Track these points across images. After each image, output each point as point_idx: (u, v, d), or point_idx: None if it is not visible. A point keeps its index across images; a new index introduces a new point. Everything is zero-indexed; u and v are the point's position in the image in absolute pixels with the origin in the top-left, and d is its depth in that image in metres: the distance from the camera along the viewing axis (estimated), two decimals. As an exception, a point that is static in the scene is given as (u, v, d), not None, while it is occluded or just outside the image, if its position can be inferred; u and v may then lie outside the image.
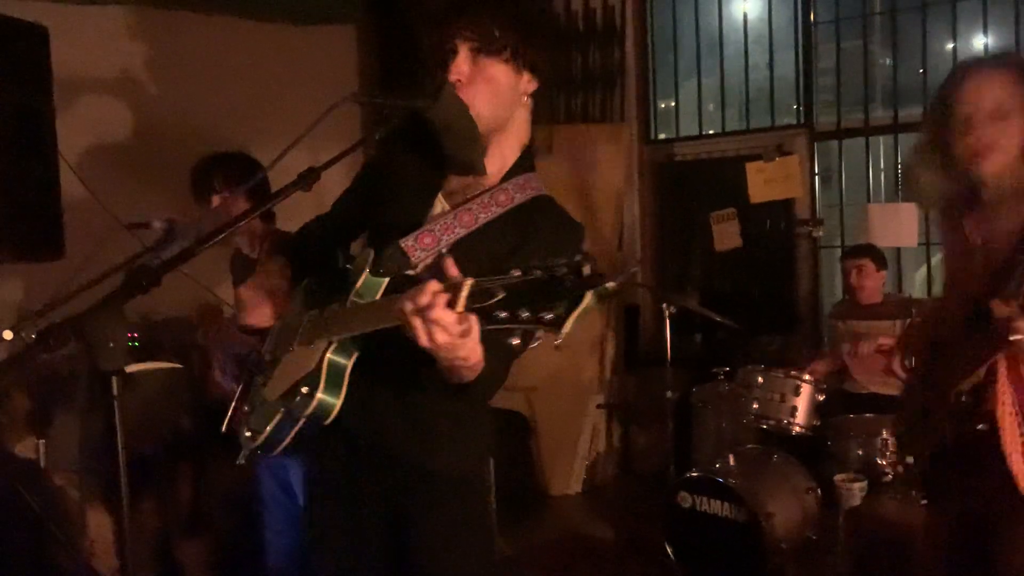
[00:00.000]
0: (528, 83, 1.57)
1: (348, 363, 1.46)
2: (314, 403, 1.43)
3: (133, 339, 2.81)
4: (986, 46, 4.16)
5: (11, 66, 2.52)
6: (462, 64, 1.50)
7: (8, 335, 1.43)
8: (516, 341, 1.15)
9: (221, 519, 3.30)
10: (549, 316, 1.07)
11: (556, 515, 4.41)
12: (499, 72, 1.52)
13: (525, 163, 1.61)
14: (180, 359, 3.04)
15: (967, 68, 1.79)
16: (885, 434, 3.26)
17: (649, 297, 4.90)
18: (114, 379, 1.19)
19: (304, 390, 1.44)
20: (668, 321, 3.94)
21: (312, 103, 1.59)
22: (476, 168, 1.57)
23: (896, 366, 1.98)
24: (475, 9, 1.51)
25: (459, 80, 1.50)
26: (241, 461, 1.64)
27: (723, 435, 3.74)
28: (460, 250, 1.45)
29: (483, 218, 1.51)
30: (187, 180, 2.74)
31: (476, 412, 1.61)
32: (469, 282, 1.13)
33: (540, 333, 1.12)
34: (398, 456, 1.56)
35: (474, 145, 1.54)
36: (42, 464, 3.00)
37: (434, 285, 1.17)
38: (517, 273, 1.10)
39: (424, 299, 1.17)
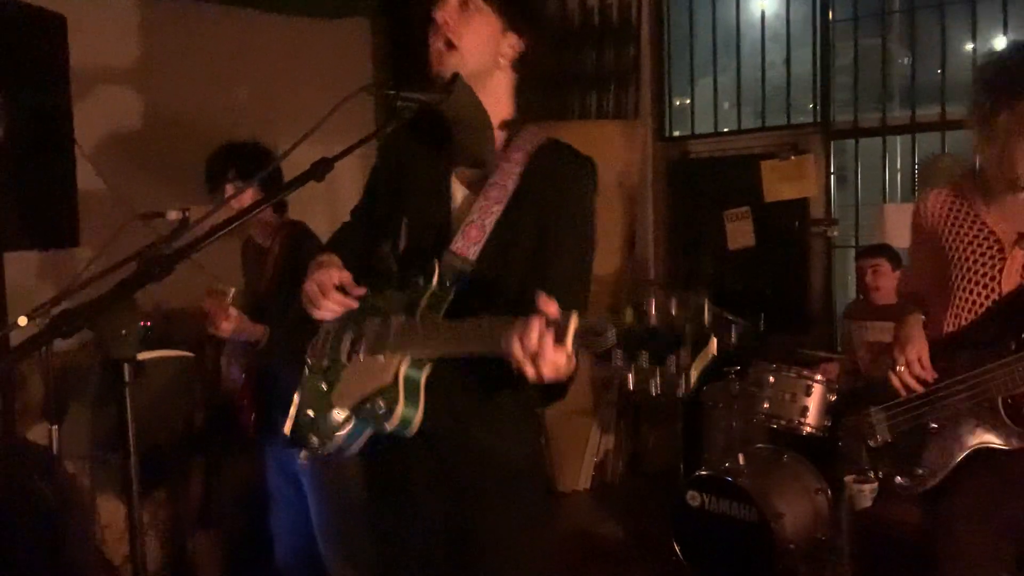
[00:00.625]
0: (511, 46, 1.58)
1: (423, 375, 1.49)
2: (396, 418, 1.45)
3: (147, 327, 2.83)
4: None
5: (29, 55, 2.54)
6: (451, 8, 1.53)
7: (23, 321, 1.44)
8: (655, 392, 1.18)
9: (232, 513, 3.32)
10: (674, 366, 1.12)
11: (564, 512, 4.40)
12: (484, 22, 1.55)
13: (517, 123, 1.62)
14: (192, 350, 3.06)
15: None
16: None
17: (661, 294, 4.87)
18: (126, 367, 1.20)
19: (381, 404, 1.47)
20: (680, 319, 3.92)
21: (326, 95, 1.59)
22: (487, 161, 1.58)
23: (916, 376, 1.91)
24: None
25: (445, 22, 1.53)
26: (303, 461, 1.67)
27: (733, 434, 3.72)
28: (505, 226, 1.51)
29: (511, 185, 1.54)
30: (202, 171, 2.76)
31: (530, 408, 1.64)
32: (574, 320, 1.18)
33: (657, 380, 1.15)
34: (469, 445, 1.58)
35: (485, 138, 1.55)
36: (55, 451, 3.03)
37: (539, 324, 1.22)
38: (629, 317, 1.13)
39: (533, 341, 1.22)
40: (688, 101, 5.13)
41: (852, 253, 4.60)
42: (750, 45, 4.84)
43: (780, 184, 4.60)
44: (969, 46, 4.21)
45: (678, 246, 5.13)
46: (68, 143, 2.67)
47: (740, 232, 4.80)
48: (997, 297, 1.80)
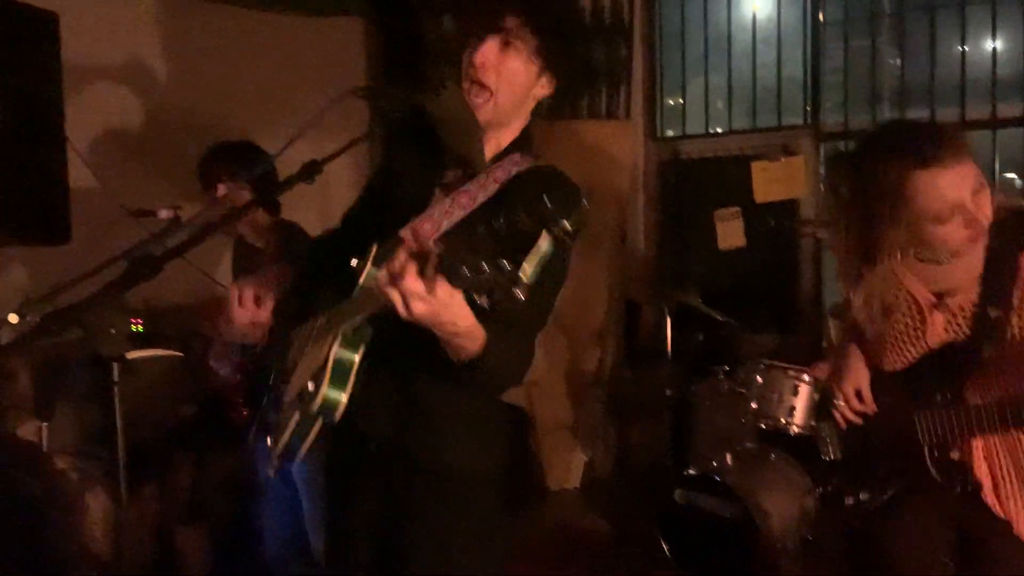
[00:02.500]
0: (542, 88, 1.57)
1: (355, 357, 1.44)
2: (319, 398, 1.40)
3: (137, 325, 2.83)
4: (994, 50, 4.15)
5: (21, 52, 2.54)
6: (490, 51, 1.50)
7: (13, 319, 1.45)
8: (483, 301, 1.11)
9: (220, 507, 3.32)
10: (508, 264, 1.05)
11: (554, 509, 4.43)
12: (521, 69, 1.52)
13: (520, 145, 1.61)
14: (182, 347, 3.06)
15: (940, 154, 1.62)
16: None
17: (651, 293, 4.91)
18: (114, 365, 1.21)
19: (310, 386, 1.43)
20: (669, 317, 3.95)
21: (320, 94, 1.60)
22: (476, 164, 1.58)
23: (853, 410, 1.92)
24: (529, 4, 1.49)
25: (483, 64, 1.49)
26: (269, 472, 1.62)
27: (721, 433, 3.75)
28: (460, 231, 1.45)
29: (481, 197, 1.51)
30: (194, 169, 2.76)
31: (487, 410, 1.60)
32: (431, 247, 1.12)
33: (504, 285, 1.08)
34: (403, 452, 1.56)
35: (474, 141, 1.55)
36: (44, 447, 3.03)
37: (403, 254, 1.17)
38: (481, 229, 1.09)
39: (395, 267, 1.17)
40: (680, 101, 5.15)
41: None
42: (741, 46, 4.87)
43: (770, 185, 4.63)
44: (958, 48, 4.24)
45: (669, 245, 5.15)
46: (59, 140, 2.67)
47: (730, 232, 4.82)
48: (925, 350, 1.80)
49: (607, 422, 4.84)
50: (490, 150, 1.60)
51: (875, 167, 1.68)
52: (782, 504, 3.32)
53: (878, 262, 1.73)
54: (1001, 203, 1.72)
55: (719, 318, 3.92)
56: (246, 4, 4.30)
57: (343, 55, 4.82)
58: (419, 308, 1.18)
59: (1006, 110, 4.00)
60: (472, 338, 1.31)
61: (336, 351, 1.43)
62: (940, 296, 1.79)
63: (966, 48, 4.21)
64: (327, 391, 1.40)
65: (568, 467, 4.69)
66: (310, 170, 1.37)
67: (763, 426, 3.56)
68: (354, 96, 1.51)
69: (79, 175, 2.85)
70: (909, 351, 1.83)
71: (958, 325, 1.76)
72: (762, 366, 3.55)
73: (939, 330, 1.79)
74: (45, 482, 2.84)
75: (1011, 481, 1.73)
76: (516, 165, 1.56)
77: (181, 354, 3.05)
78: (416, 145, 1.65)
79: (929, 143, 1.63)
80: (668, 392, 3.94)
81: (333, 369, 1.41)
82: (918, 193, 1.62)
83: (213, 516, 3.33)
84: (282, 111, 3.88)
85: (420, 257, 1.15)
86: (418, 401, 1.52)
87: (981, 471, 1.74)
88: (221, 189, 2.66)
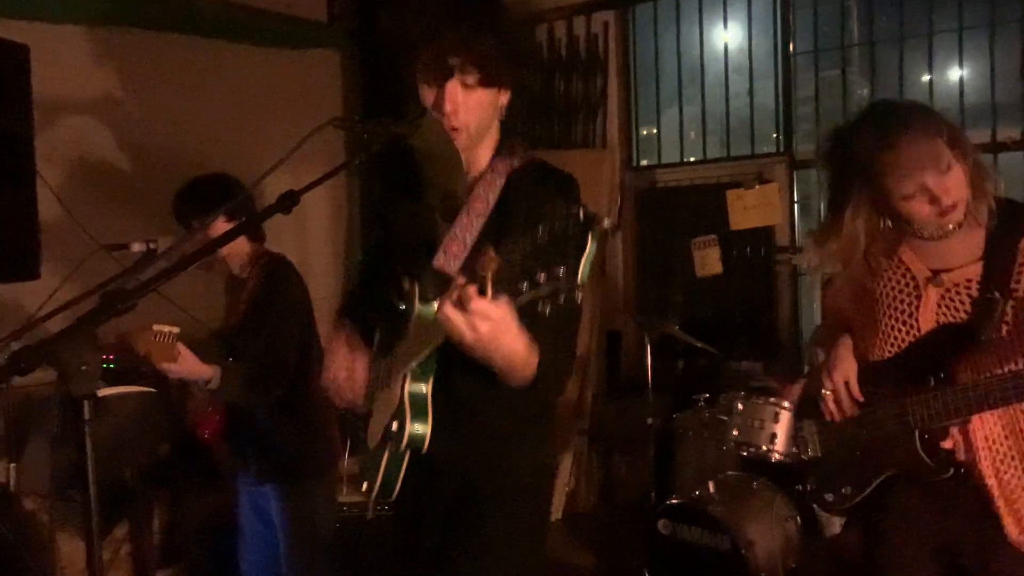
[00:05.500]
0: (503, 96, 1.63)
1: (427, 389, 1.51)
2: (406, 436, 1.47)
3: (109, 361, 2.77)
4: (961, 78, 4.24)
5: (-9, 85, 2.51)
6: (454, 93, 1.54)
7: (-20, 357, 1.41)
8: (546, 310, 1.14)
9: (196, 548, 3.25)
10: (563, 270, 1.09)
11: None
12: (484, 96, 1.57)
13: (500, 150, 1.66)
14: (157, 382, 3.00)
15: (900, 136, 1.73)
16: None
17: (631, 323, 4.91)
18: (86, 403, 1.17)
19: (394, 426, 1.49)
20: (649, 347, 3.95)
21: (296, 126, 1.59)
22: (456, 194, 1.59)
23: (840, 401, 1.94)
24: (467, 44, 1.52)
25: (454, 112, 1.54)
26: (370, 516, 1.70)
27: (704, 462, 3.73)
28: (487, 238, 1.52)
29: (493, 197, 1.57)
30: (169, 202, 2.73)
31: (539, 424, 1.66)
32: (492, 266, 1.15)
33: (562, 291, 1.12)
34: (471, 475, 1.61)
35: (455, 170, 1.56)
36: (12, 488, 2.95)
37: (460, 280, 1.21)
38: (525, 242, 1.12)
39: (455, 294, 1.21)
40: (655, 131, 5.20)
41: (818, 280, 4.67)
42: (714, 77, 4.94)
43: (746, 212, 4.67)
44: (926, 77, 4.33)
45: (647, 273, 5.17)
46: (30, 173, 2.63)
47: (708, 260, 4.85)
48: (917, 333, 1.82)
49: (589, 453, 4.80)
50: (475, 165, 1.64)
51: (849, 146, 1.83)
52: (766, 533, 3.30)
53: (840, 225, 1.87)
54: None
55: (699, 346, 3.93)
56: (223, 37, 4.30)
57: (320, 87, 4.83)
58: (484, 328, 1.21)
59: (975, 136, 4.07)
60: (527, 363, 1.37)
61: (409, 388, 1.49)
62: (936, 273, 1.82)
63: (933, 77, 4.30)
64: (411, 427, 1.48)
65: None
66: (287, 201, 1.36)
67: (745, 454, 3.55)
68: (332, 127, 1.50)
69: (51, 209, 2.81)
70: (900, 330, 1.84)
71: (951, 301, 1.79)
72: (742, 393, 3.55)
73: (932, 305, 1.81)
74: (13, 525, 2.76)
75: (1013, 464, 1.74)
76: (514, 159, 1.62)
77: (154, 390, 2.99)
78: (400, 175, 1.69)
79: (895, 125, 1.75)
80: (650, 422, 3.92)
81: (411, 405, 1.48)
82: (882, 173, 1.76)
83: (190, 556, 3.25)
84: (259, 144, 3.87)
85: (477, 278, 1.18)
86: (475, 417, 1.58)
87: (981, 455, 1.74)
88: (196, 223, 2.63)
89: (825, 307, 2.19)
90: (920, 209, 1.76)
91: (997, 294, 1.72)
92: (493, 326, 1.21)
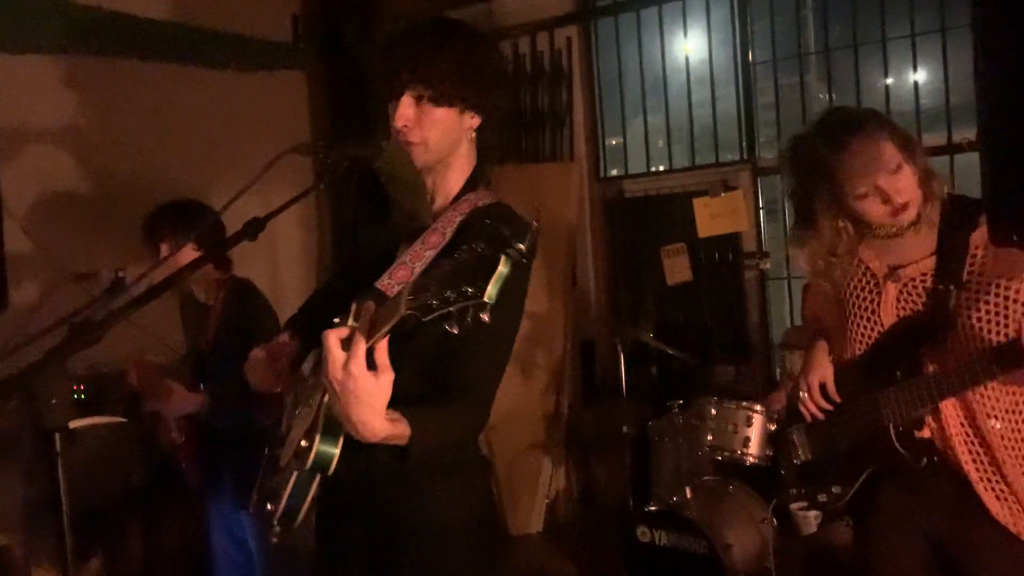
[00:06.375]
0: (471, 119, 1.62)
1: None
2: (312, 454, 1.39)
3: (79, 391, 2.76)
4: (916, 83, 4.34)
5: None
6: (407, 109, 1.55)
7: (-52, 393, 1.41)
8: (454, 329, 1.16)
9: (172, 573, 3.22)
10: (471, 289, 1.11)
11: (517, 556, 4.37)
12: (443, 114, 1.57)
13: (474, 185, 1.65)
14: (129, 411, 2.99)
15: (851, 139, 1.81)
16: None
17: (604, 331, 4.95)
18: (57, 436, 1.18)
19: (303, 443, 1.42)
20: (622, 355, 3.99)
21: (264, 149, 1.61)
22: (420, 216, 1.61)
23: (816, 402, 2.01)
24: (421, 61, 1.54)
25: (406, 125, 1.55)
26: (273, 539, 1.58)
27: (680, 467, 3.77)
28: (428, 267, 1.46)
29: (449, 232, 1.54)
30: (136, 229, 2.73)
31: (467, 462, 1.61)
32: (367, 317, 1.18)
33: (469, 309, 1.14)
34: (384, 507, 1.56)
35: (418, 193, 1.58)
36: (-15, 523, 2.91)
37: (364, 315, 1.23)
38: (444, 263, 1.15)
39: (346, 330, 1.23)
40: (621, 141, 5.27)
41: (785, 284, 4.74)
42: (677, 88, 5.01)
43: (712, 220, 4.73)
44: (883, 82, 4.43)
45: (618, 283, 5.22)
46: (-6, 205, 2.62)
47: (677, 267, 4.91)
48: (881, 329, 1.89)
49: (567, 463, 4.82)
50: (440, 196, 1.64)
51: (804, 150, 1.91)
52: (743, 535, 3.34)
53: (817, 226, 1.92)
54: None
55: (671, 353, 3.97)
56: (184, 61, 4.29)
57: (286, 109, 4.83)
58: (348, 379, 1.23)
59: (931, 140, 4.18)
60: (384, 437, 1.33)
61: (326, 402, 1.42)
62: (893, 269, 1.90)
63: (889, 81, 4.40)
64: (319, 446, 1.39)
65: (529, 511, 4.66)
66: (253, 228, 1.38)
67: (719, 458, 3.60)
68: (296, 153, 1.52)
69: (16, 239, 2.79)
70: (865, 327, 1.91)
71: (908, 295, 1.87)
72: (715, 399, 3.60)
73: (892, 300, 1.88)
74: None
75: (982, 448, 1.79)
76: (480, 199, 1.61)
77: (124, 419, 2.97)
78: (367, 198, 1.69)
79: (846, 129, 1.83)
80: (625, 429, 3.95)
81: (325, 421, 1.40)
82: (837, 174, 1.83)
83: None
84: (227, 167, 3.86)
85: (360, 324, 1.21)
86: (395, 457, 1.49)
87: (955, 441, 1.80)
88: (164, 249, 2.62)
89: (804, 313, 2.25)
90: (874, 208, 1.83)
91: (951, 286, 1.79)
92: (356, 383, 1.22)
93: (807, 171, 1.91)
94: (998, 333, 1.74)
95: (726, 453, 3.54)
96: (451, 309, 1.12)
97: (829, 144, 1.84)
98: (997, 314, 1.75)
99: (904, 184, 1.81)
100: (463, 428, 1.53)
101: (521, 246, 1.13)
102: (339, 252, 1.75)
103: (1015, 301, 1.74)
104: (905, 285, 1.87)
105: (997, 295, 1.75)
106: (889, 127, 1.85)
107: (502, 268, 1.12)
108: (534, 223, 1.28)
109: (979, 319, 1.76)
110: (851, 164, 1.80)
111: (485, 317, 1.13)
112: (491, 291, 1.11)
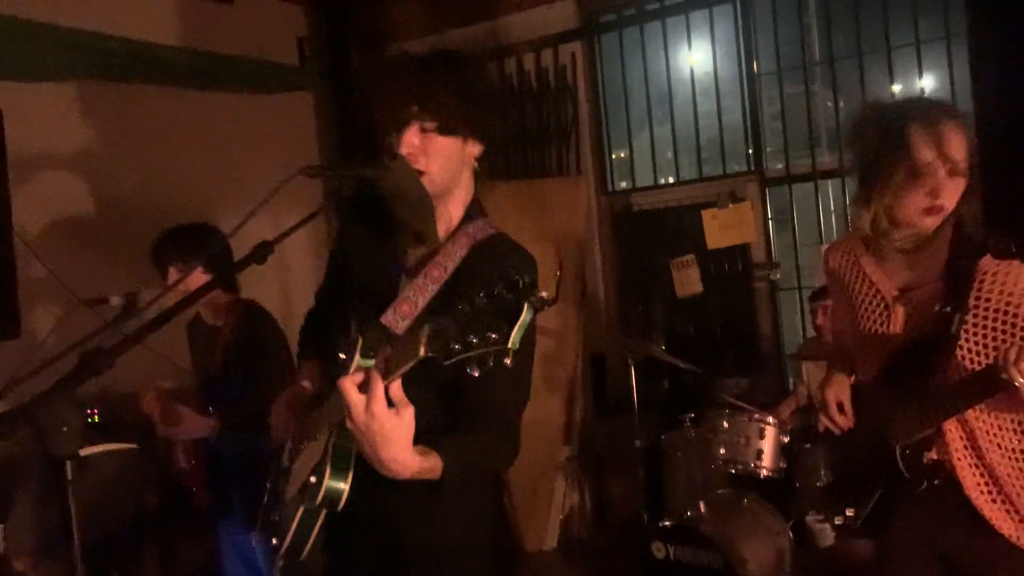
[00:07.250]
0: (473, 146, 1.64)
1: (352, 445, 1.44)
2: (322, 490, 1.41)
3: (93, 415, 2.77)
4: (922, 89, 4.33)
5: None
6: (412, 138, 1.57)
7: (-39, 421, 1.41)
8: (475, 372, 1.17)
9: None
10: (495, 336, 1.12)
11: (532, 572, 4.35)
12: (446, 143, 1.59)
13: (472, 215, 1.67)
14: (142, 435, 2.99)
15: (942, 116, 1.80)
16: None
17: (615, 345, 4.94)
18: (68, 464, 1.18)
19: (312, 480, 1.45)
20: (634, 369, 3.97)
21: (273, 170, 1.62)
22: (429, 237, 1.61)
23: (832, 419, 2.02)
24: (424, 93, 1.56)
25: (410, 153, 1.56)
26: (276, 574, 1.62)
27: (694, 481, 3.75)
28: (438, 306, 1.50)
29: (451, 266, 1.56)
30: (146, 253, 2.74)
31: (478, 483, 1.61)
32: (380, 365, 1.21)
33: (491, 355, 1.15)
34: (395, 526, 1.57)
35: (427, 214, 1.58)
36: (2, 550, 2.92)
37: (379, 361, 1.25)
38: (464, 307, 1.15)
39: (363, 374, 1.25)
40: (627, 154, 5.27)
41: (795, 295, 4.72)
42: (682, 100, 5.02)
43: (721, 231, 4.73)
44: (889, 89, 4.42)
45: (628, 296, 5.21)
46: (6, 232, 2.64)
47: (687, 280, 4.90)
48: (890, 351, 1.88)
49: (581, 478, 4.80)
50: (442, 225, 1.65)
51: (885, 122, 1.86)
52: (759, 549, 3.31)
53: (873, 201, 1.87)
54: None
55: (682, 365, 3.96)
56: (193, 85, 4.33)
57: (295, 131, 4.87)
58: (372, 421, 1.26)
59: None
60: (415, 472, 1.35)
61: (335, 441, 1.44)
62: (903, 291, 1.89)
63: (896, 88, 4.39)
64: (329, 482, 1.42)
65: (544, 528, 4.63)
66: (261, 251, 1.38)
67: (733, 471, 3.57)
68: (304, 175, 1.52)
69: (29, 266, 2.82)
70: (876, 348, 1.91)
71: (917, 319, 1.86)
72: (727, 411, 3.58)
73: (900, 322, 1.88)
74: (2, 586, 2.73)
75: (985, 468, 1.78)
76: (480, 231, 1.62)
77: (135, 446, 2.97)
78: (371, 220, 1.69)
79: (934, 110, 1.82)
80: (638, 443, 3.93)
81: (333, 460, 1.43)
82: (908, 138, 1.78)
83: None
84: (237, 189, 3.89)
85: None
86: (429, 491, 1.49)
87: (961, 466, 1.79)
88: (173, 273, 2.64)
89: (816, 324, 2.25)
90: (915, 198, 1.79)
91: (956, 310, 1.77)
92: (381, 423, 1.25)
93: (881, 135, 1.85)
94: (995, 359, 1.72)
95: (739, 466, 3.52)
96: (472, 354, 1.14)
97: (917, 114, 1.80)
98: (995, 339, 1.74)
99: (953, 190, 1.78)
100: (496, 460, 1.55)
101: (543, 295, 1.15)
102: (328, 265, 1.74)
103: (1017, 327, 1.73)
104: (915, 308, 1.87)
105: (1005, 321, 1.74)
106: (972, 135, 1.79)
107: (525, 316, 1.13)
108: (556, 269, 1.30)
109: (983, 344, 1.75)
110: (934, 135, 1.76)
111: (508, 362, 1.15)
112: (515, 338, 1.13)
